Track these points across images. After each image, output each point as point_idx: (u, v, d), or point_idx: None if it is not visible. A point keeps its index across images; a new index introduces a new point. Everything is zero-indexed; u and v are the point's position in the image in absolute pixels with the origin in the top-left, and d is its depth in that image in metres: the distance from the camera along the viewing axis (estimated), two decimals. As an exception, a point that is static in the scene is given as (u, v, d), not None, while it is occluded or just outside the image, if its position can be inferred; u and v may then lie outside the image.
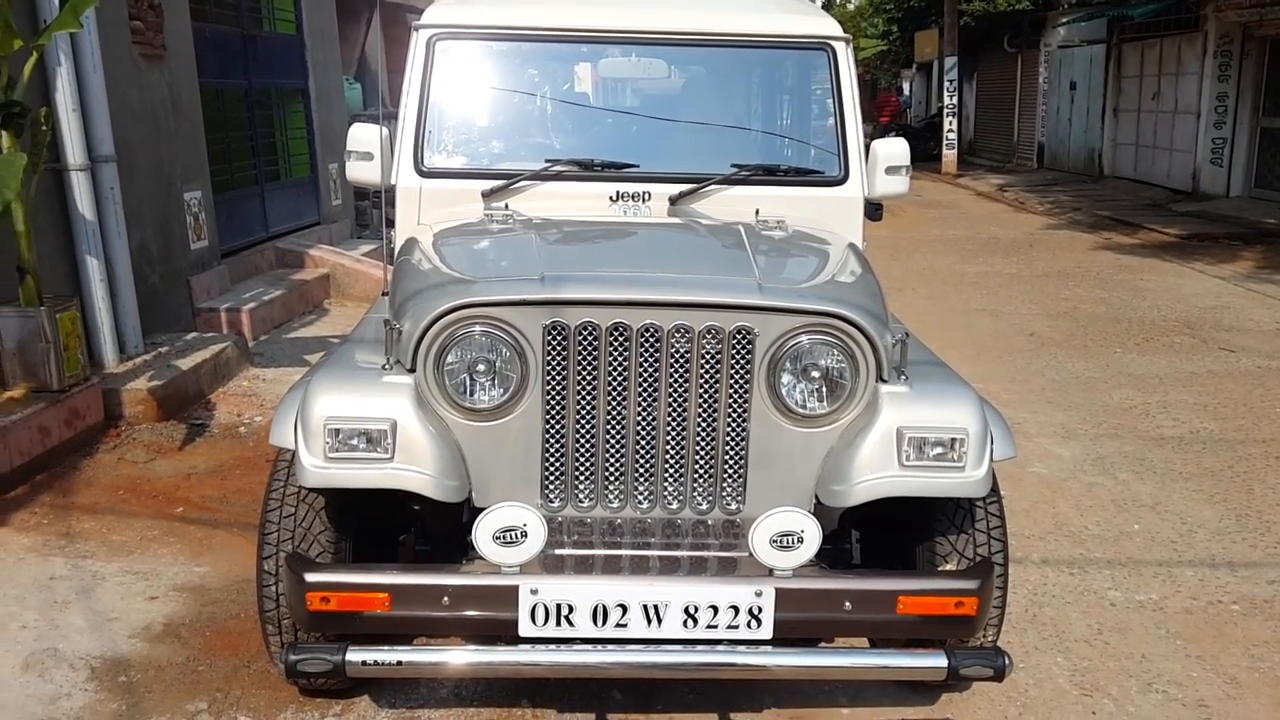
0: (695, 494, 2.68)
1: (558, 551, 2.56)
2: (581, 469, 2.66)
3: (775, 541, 2.38)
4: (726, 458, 2.66)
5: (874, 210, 3.92)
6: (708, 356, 2.60)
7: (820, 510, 2.65)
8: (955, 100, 20.98)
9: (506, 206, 3.57)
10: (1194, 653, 3.25)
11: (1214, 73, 14.35)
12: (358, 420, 2.50)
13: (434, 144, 3.71)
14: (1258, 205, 13.25)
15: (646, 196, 3.60)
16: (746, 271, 2.75)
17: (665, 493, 2.68)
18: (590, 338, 2.57)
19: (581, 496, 2.68)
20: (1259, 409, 5.69)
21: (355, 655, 2.34)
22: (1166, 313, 8.18)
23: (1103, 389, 6.12)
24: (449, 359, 2.57)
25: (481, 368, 2.58)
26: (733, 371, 2.61)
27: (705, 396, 2.62)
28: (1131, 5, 15.35)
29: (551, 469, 2.66)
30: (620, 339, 2.57)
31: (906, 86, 32.38)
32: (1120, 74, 17.59)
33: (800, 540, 2.38)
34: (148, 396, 4.85)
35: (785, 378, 2.61)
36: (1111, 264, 10.51)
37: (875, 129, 26.79)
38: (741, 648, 2.43)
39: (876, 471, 2.56)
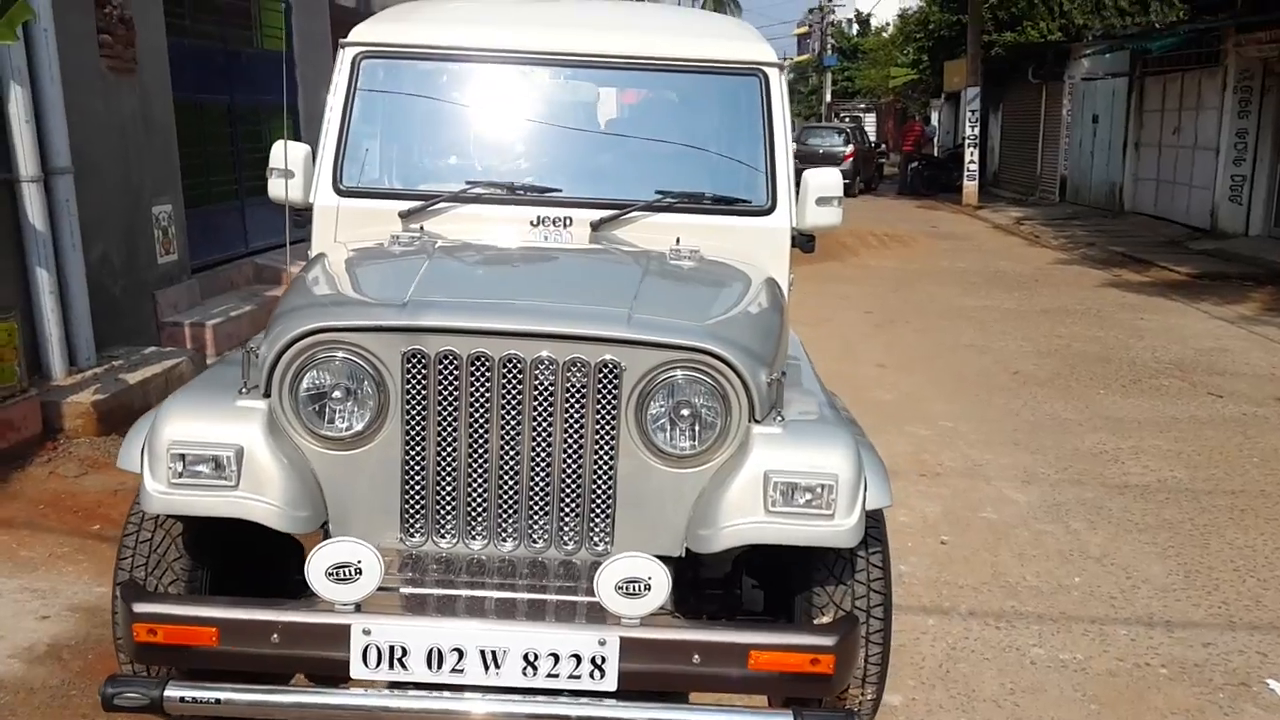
0: (562, 534, 2.58)
1: (410, 590, 2.46)
2: (443, 503, 2.56)
3: (621, 588, 2.27)
4: (594, 497, 2.56)
5: (805, 242, 3.81)
6: (573, 391, 2.50)
7: (709, 554, 2.53)
8: (977, 131, 20.78)
9: (422, 229, 3.51)
10: (1106, 719, 3.09)
11: (1234, 108, 14.10)
12: (204, 445, 2.43)
13: (354, 163, 3.66)
14: (1276, 245, 12.95)
15: (568, 222, 3.52)
16: (623, 302, 2.65)
17: (531, 531, 2.58)
18: (451, 367, 2.49)
19: (443, 532, 2.58)
20: (1234, 459, 5.49)
21: (174, 691, 2.24)
22: (1161, 354, 7.97)
23: (1076, 432, 5.94)
24: (304, 385, 2.49)
25: (338, 395, 2.50)
26: (599, 407, 2.51)
27: (571, 432, 2.52)
28: (1151, 39, 15.13)
29: (412, 502, 2.57)
30: (482, 369, 2.49)
31: (935, 116, 32.19)
32: (1142, 108, 17.35)
33: (648, 588, 2.27)
34: (89, 410, 4.83)
35: (654, 415, 2.51)
36: (1115, 301, 10.28)
37: (901, 157, 26.64)
38: (584, 699, 2.31)
39: (741, 517, 2.45)
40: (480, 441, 2.52)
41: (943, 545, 4.32)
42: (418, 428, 2.52)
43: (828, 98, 43.17)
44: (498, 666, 2.28)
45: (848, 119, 35.53)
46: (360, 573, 2.26)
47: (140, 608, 2.30)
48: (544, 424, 2.51)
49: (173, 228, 6.30)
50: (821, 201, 3.60)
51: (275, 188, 3.64)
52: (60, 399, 4.81)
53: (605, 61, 3.64)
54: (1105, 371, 7.39)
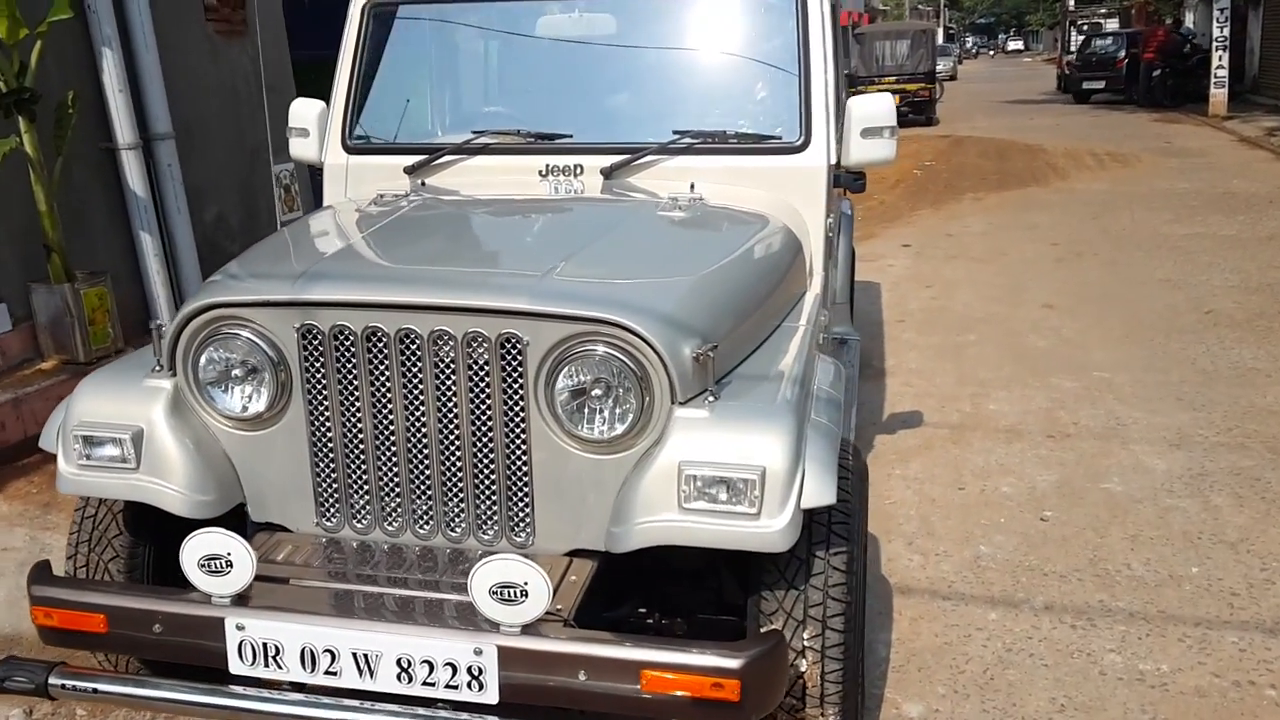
0: (480, 523, 2.34)
1: (306, 582, 2.28)
2: (355, 487, 2.38)
3: (495, 593, 2.01)
4: (510, 484, 2.30)
5: (853, 181, 3.34)
6: (476, 368, 2.24)
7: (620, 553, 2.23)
8: (1227, 32, 18.30)
9: (423, 184, 3.33)
10: (1172, 752, 2.54)
11: None
12: (106, 427, 2.36)
13: (365, 118, 3.52)
14: None
15: (578, 170, 3.24)
16: (547, 266, 2.34)
17: (448, 519, 2.35)
18: (347, 343, 2.28)
19: (359, 517, 2.40)
20: None
21: (57, 679, 2.19)
22: (1405, 287, 6.68)
23: (1260, 385, 5.04)
24: (203, 363, 2.36)
25: (238, 373, 2.36)
26: (506, 386, 2.23)
27: (478, 413, 2.26)
28: None
29: (324, 486, 2.40)
30: (379, 345, 2.27)
31: (1190, 18, 28.72)
32: None
33: (524, 594, 2.00)
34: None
35: (563, 395, 2.21)
36: (1365, 224, 8.76)
37: (1142, 66, 24.01)
38: (464, 714, 2.08)
39: (653, 514, 2.12)
40: (385, 422, 2.31)
41: (1042, 522, 3.74)
42: (321, 407, 2.34)
43: (1071, 4, 39.64)
44: (372, 672, 2.09)
45: (1085, 27, 32.43)
46: (231, 565, 2.12)
47: (36, 591, 2.27)
48: (449, 404, 2.26)
49: (295, 185, 6.44)
50: (868, 133, 3.13)
51: (295, 147, 3.57)
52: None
53: None
54: (1323, 310, 6.27)
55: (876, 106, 3.13)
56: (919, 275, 7.82)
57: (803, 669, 2.21)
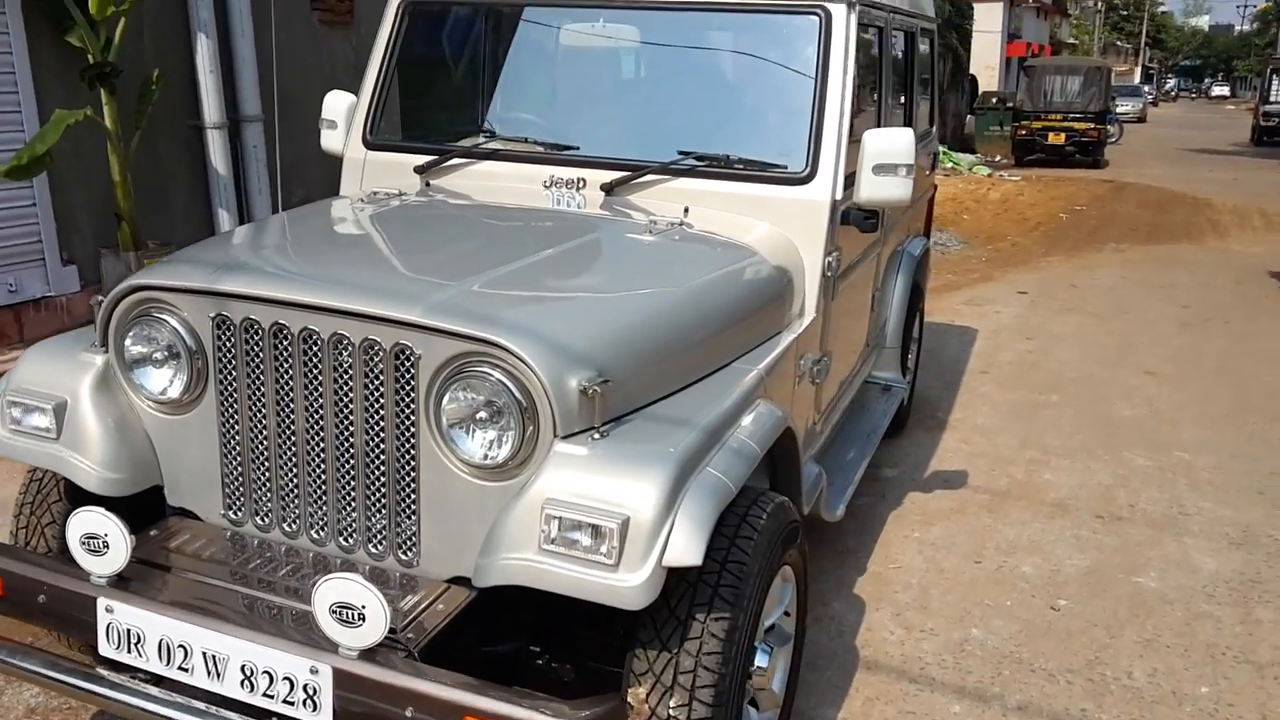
0: (369, 536, 2.29)
1: (193, 576, 2.27)
2: (258, 484, 2.37)
3: (335, 612, 1.95)
4: (398, 498, 2.24)
5: (863, 219, 3.14)
6: (372, 375, 2.19)
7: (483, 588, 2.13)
8: None
9: (428, 184, 3.33)
10: None
11: None
12: (34, 395, 2.43)
13: (388, 115, 3.54)
14: None
15: (581, 184, 3.17)
16: (454, 279, 2.27)
17: (340, 528, 2.31)
18: (256, 337, 2.28)
19: (261, 514, 2.39)
20: None
21: (-54, 641, 2.26)
22: None
23: (1362, 487, 4.51)
24: (128, 342, 2.40)
25: (159, 355, 2.39)
26: (398, 398, 2.18)
27: (372, 422, 2.21)
28: None
29: (231, 478, 2.40)
30: (284, 342, 2.25)
31: None
32: None
33: (361, 617, 1.93)
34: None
35: (449, 413, 2.13)
36: None
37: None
38: (294, 734, 2.02)
39: (514, 550, 2.03)
40: (288, 421, 2.30)
41: (1052, 611, 3.43)
42: (231, 399, 2.34)
43: (1280, 51, 37.02)
44: (220, 674, 2.06)
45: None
46: (107, 547, 2.13)
47: (-52, 549, 2.34)
48: (345, 409, 2.23)
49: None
50: (881, 170, 2.94)
51: (325, 138, 3.63)
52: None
53: (652, 3, 3.20)
54: None
55: (893, 142, 2.92)
56: (1024, 325, 7.39)
57: (661, 741, 2.06)
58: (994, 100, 22.72)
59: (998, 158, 20.34)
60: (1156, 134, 30.71)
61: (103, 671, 2.16)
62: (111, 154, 4.56)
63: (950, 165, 17.86)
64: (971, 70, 25.00)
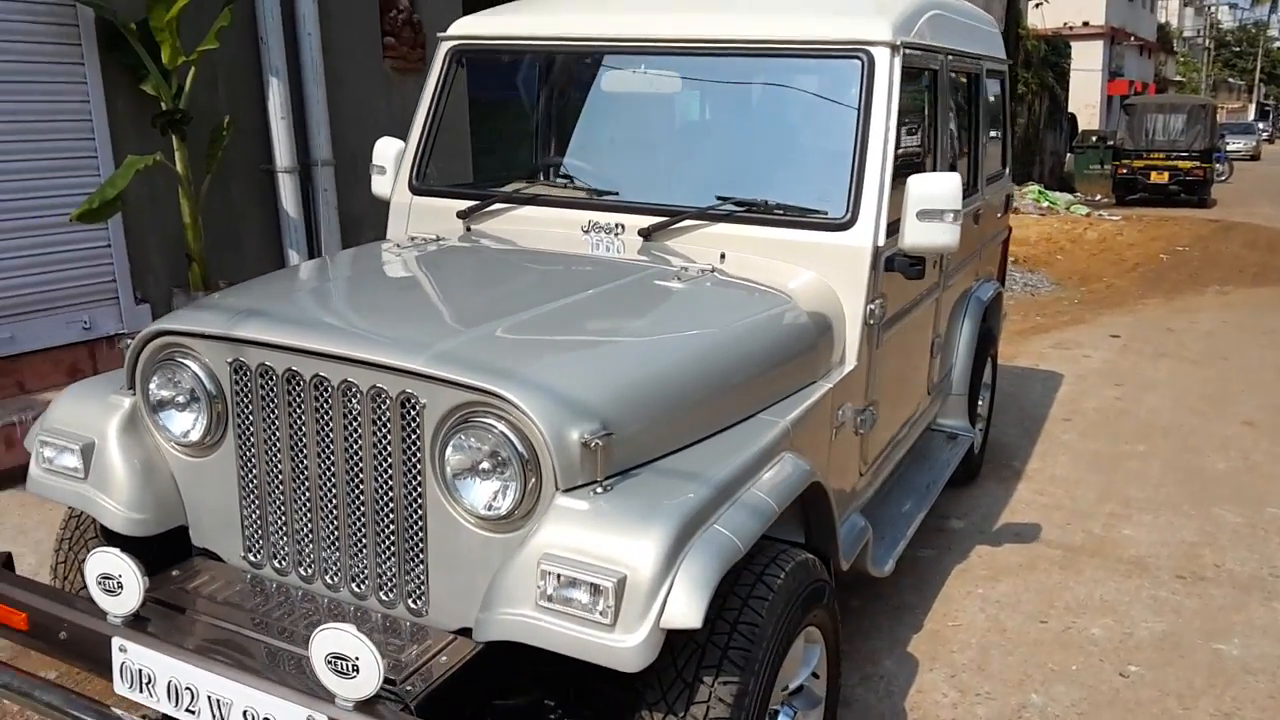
0: (381, 584, 2.26)
1: (206, 618, 2.27)
2: (275, 528, 2.36)
3: (330, 663, 1.91)
4: (407, 547, 2.20)
5: (908, 266, 3.02)
6: (380, 423, 2.17)
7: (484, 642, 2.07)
8: None
9: (469, 229, 3.33)
10: None
11: None
12: (64, 435, 2.47)
13: (436, 160, 3.58)
14: None
15: (619, 229, 3.13)
16: (467, 327, 2.24)
17: (353, 575, 2.29)
18: (271, 383, 2.28)
19: (278, 558, 2.38)
20: None
21: (-34, 671, 2.30)
22: None
23: None
24: (153, 385, 2.43)
25: (181, 399, 2.41)
26: (405, 447, 2.15)
27: (380, 470, 2.19)
28: None
29: (250, 521, 2.40)
30: (297, 389, 2.25)
31: None
32: None
33: (355, 669, 1.89)
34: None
35: (453, 463, 2.09)
36: None
37: None
38: (293, 784, 1.98)
39: (512, 606, 1.96)
40: (301, 467, 2.29)
41: (1121, 678, 3.21)
42: (249, 443, 2.35)
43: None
44: (224, 718, 2.04)
45: None
46: (122, 587, 2.14)
47: (-21, 579, 2.39)
48: (355, 456, 2.21)
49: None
50: (926, 215, 2.83)
51: (375, 184, 3.69)
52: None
53: (694, 47, 3.17)
54: None
55: (938, 187, 2.81)
56: (1114, 371, 7.07)
57: (668, 809, 1.96)
58: (1094, 139, 22.12)
59: (1098, 196, 19.75)
60: (1270, 171, 29.44)
61: (116, 710, 2.16)
62: (183, 197, 4.71)
63: (1046, 204, 17.39)
64: (1071, 108, 24.42)
